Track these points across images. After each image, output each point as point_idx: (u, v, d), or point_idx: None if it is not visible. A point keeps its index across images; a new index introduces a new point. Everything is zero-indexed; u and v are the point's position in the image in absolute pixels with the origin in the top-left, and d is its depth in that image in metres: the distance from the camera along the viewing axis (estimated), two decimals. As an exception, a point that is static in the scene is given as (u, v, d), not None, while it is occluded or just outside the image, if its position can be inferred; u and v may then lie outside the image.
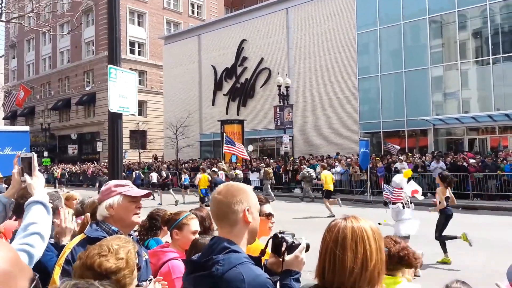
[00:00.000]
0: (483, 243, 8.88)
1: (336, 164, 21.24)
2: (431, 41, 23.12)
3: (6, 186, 4.56)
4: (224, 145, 22.11)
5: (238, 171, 21.34)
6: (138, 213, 2.23)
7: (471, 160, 17.58)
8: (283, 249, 1.74)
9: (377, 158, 20.36)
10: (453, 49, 22.67)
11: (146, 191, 2.32)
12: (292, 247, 1.75)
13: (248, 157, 24.51)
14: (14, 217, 2.74)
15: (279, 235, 1.78)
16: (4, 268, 0.67)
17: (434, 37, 23.24)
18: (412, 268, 2.60)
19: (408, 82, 23.55)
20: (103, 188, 2.28)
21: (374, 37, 25.02)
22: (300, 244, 1.78)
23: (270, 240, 1.84)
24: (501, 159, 17.48)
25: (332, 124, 26.26)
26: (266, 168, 21.31)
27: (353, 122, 25.42)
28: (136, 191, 2.24)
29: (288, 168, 22.69)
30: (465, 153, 19.63)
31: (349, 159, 21.29)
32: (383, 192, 8.31)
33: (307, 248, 1.78)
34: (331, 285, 1.51)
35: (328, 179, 15.13)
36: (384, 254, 1.59)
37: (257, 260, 1.66)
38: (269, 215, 2.67)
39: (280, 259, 1.75)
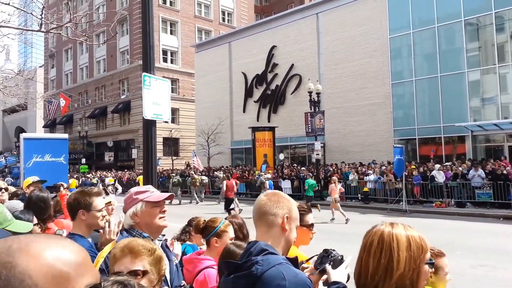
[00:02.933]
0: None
1: (369, 171, 20.80)
2: (467, 44, 22.41)
3: (55, 193, 4.67)
4: (192, 159, 25.03)
5: (203, 177, 23.93)
6: (163, 217, 2.26)
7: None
8: (329, 259, 1.89)
9: (413, 166, 19.81)
10: (490, 52, 21.90)
11: (167, 194, 2.33)
12: (338, 262, 1.89)
13: (201, 168, 26.67)
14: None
15: (330, 250, 1.93)
16: (61, 269, 0.65)
17: (470, 40, 22.51)
18: None
19: (444, 87, 22.89)
20: (125, 197, 2.32)
21: (407, 41, 24.48)
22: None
23: (317, 255, 1.97)
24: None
25: (365, 131, 25.78)
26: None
27: (386, 129, 24.88)
28: (157, 196, 2.26)
29: (320, 176, 22.37)
30: (503, 158, 18.84)
31: (383, 167, 20.79)
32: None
33: (348, 278, 1.89)
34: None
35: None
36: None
37: (293, 261, 1.70)
38: (311, 226, 2.63)
39: (323, 272, 1.89)
